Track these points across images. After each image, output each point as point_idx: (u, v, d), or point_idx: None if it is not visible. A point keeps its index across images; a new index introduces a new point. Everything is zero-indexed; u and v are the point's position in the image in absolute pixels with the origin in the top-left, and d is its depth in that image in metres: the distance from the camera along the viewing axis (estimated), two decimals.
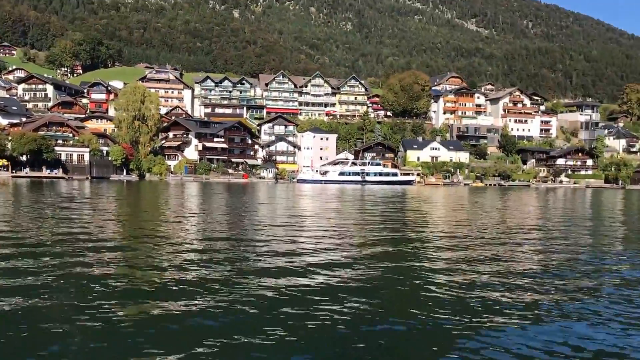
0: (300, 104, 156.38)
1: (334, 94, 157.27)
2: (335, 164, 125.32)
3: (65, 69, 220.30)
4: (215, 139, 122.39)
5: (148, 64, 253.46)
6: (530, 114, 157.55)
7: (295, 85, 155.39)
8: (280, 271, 12.92)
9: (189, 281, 11.62)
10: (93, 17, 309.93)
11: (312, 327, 8.65)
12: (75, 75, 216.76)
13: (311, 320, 8.96)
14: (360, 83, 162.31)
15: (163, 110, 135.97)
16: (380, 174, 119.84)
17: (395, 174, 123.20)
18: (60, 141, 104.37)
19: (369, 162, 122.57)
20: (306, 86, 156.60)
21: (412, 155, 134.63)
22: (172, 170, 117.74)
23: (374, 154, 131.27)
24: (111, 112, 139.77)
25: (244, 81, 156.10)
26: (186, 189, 69.29)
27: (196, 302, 9.91)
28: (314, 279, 12.17)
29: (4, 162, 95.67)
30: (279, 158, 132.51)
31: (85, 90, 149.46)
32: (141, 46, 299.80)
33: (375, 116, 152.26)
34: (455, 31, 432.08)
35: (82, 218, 26.02)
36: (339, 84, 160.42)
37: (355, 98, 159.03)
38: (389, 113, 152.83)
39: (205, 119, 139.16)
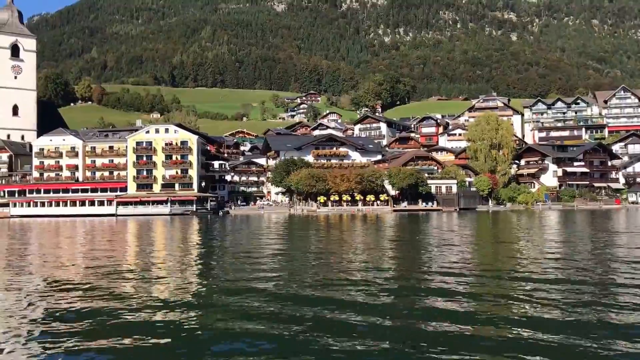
0: None
1: None
2: None
3: (367, 109, 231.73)
4: (575, 164, 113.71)
5: (440, 96, 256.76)
6: None
7: (639, 99, 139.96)
8: None
9: None
10: (376, 59, 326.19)
11: None
12: (376, 114, 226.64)
13: None
14: None
15: None
16: None
17: None
18: (426, 174, 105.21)
19: None
20: None
21: None
22: None
23: None
24: (442, 143, 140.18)
25: (578, 100, 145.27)
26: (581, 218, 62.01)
27: None
28: None
29: (385, 197, 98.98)
30: (638, 180, 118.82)
31: (413, 126, 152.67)
32: (422, 81, 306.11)
33: None
34: None
35: None
36: None
37: None
38: None
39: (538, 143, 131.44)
